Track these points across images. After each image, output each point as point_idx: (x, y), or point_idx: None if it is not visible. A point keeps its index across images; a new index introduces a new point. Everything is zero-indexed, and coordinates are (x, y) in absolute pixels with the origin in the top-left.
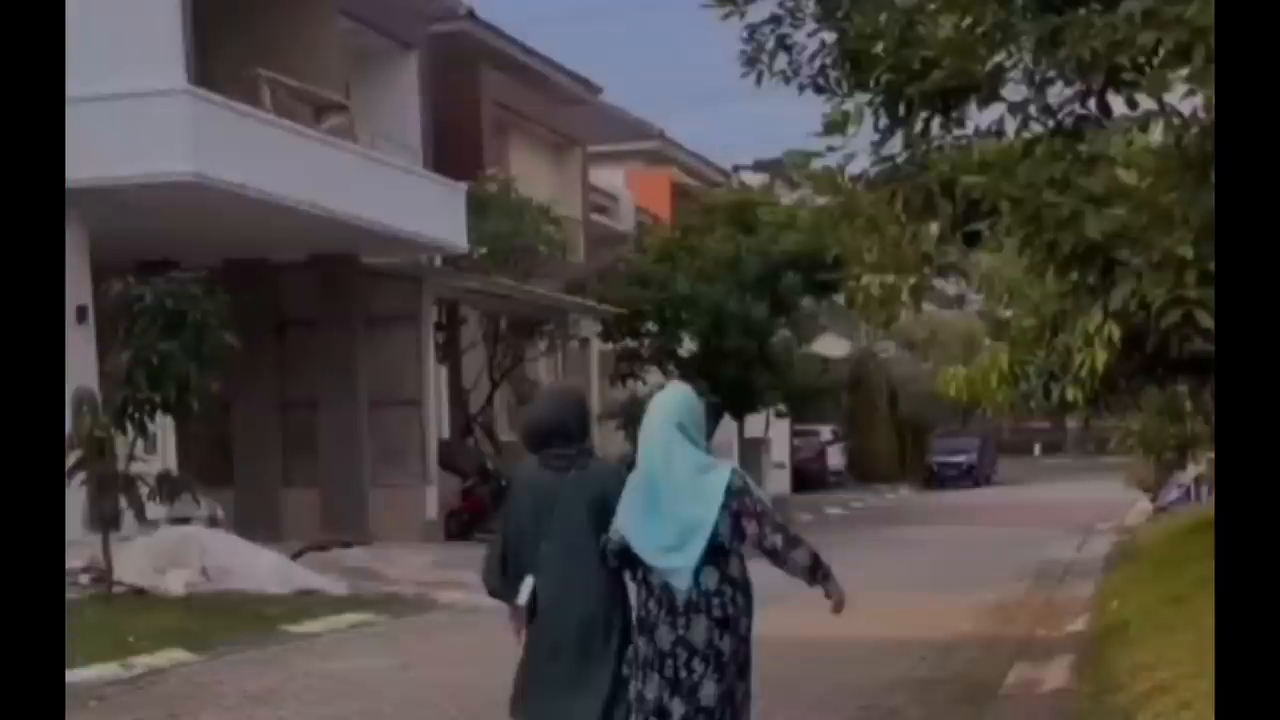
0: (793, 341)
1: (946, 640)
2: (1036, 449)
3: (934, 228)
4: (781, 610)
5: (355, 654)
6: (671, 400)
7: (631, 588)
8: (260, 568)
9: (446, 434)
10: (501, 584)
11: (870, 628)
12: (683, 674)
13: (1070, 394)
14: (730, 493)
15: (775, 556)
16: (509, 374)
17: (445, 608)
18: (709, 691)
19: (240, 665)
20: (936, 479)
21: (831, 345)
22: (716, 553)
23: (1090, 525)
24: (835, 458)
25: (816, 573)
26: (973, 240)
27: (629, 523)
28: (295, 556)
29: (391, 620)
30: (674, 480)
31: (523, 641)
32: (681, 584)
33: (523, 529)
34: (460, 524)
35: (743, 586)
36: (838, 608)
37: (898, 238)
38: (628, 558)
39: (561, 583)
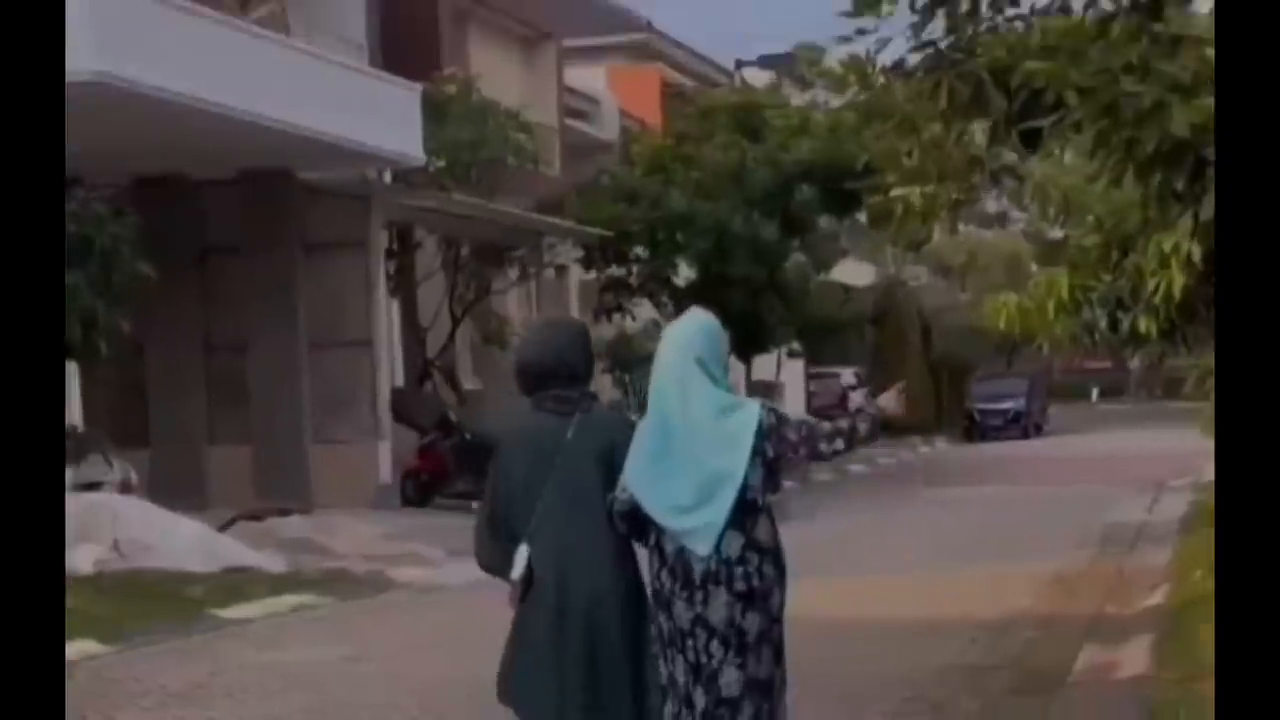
0: (808, 267)
1: (1000, 619)
2: (1093, 394)
3: (983, 127)
4: (811, 584)
5: (296, 643)
6: (689, 330)
7: (643, 556)
8: (182, 541)
9: (400, 380)
10: (497, 556)
11: (910, 606)
12: (702, 658)
13: (1142, 324)
14: (761, 435)
15: (818, 457)
16: (473, 309)
17: (403, 587)
18: (730, 679)
19: (160, 657)
20: (978, 429)
21: (853, 272)
22: (743, 511)
23: (1162, 482)
24: (859, 403)
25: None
26: (1032, 140)
27: (638, 478)
28: (223, 528)
29: (339, 602)
30: (692, 425)
31: (516, 615)
32: (702, 549)
33: (516, 488)
34: (419, 487)
35: (772, 554)
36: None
37: (940, 139)
38: (637, 521)
39: (565, 549)
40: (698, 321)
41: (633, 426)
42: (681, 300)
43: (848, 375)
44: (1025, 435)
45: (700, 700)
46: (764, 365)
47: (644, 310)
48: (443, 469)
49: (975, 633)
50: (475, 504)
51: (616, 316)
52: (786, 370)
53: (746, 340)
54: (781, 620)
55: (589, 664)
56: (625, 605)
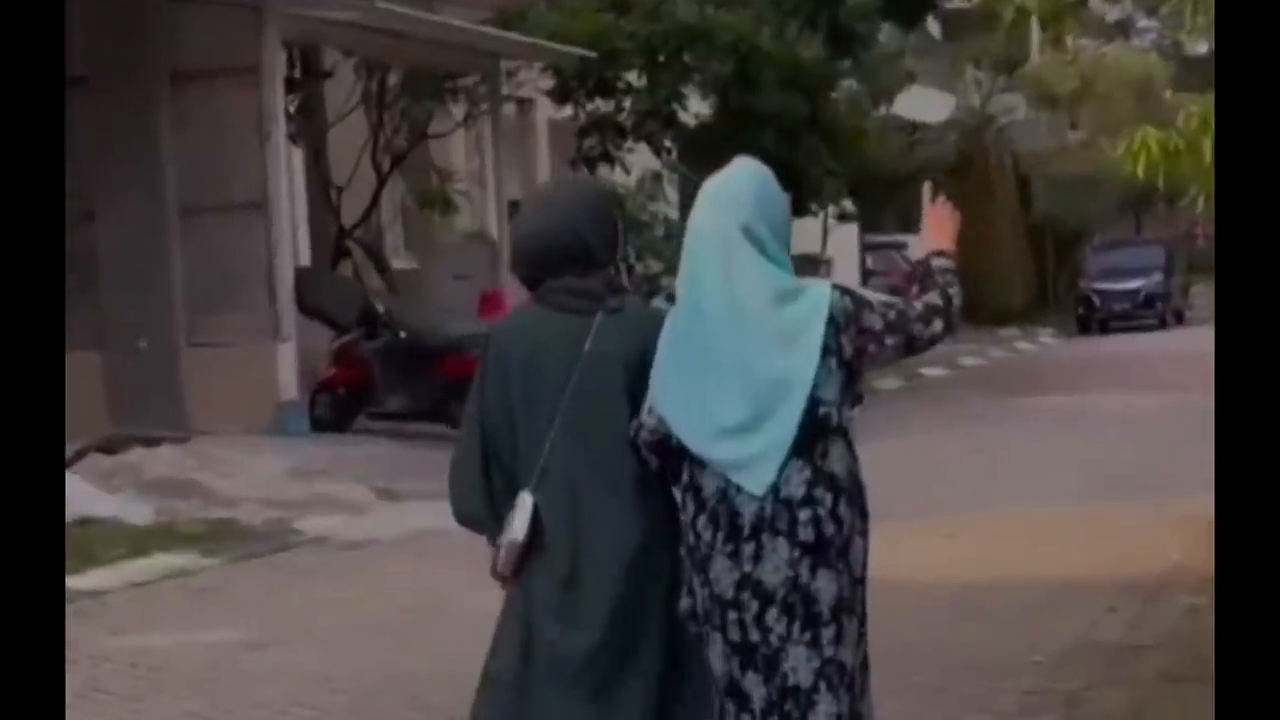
0: (864, 98)
1: (1146, 579)
2: None
3: None
4: (881, 533)
5: (169, 623)
6: (735, 187)
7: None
8: None
9: (307, 259)
10: (487, 508)
11: (1020, 561)
12: (753, 634)
13: None
14: (834, 326)
15: (922, 352)
16: (405, 160)
17: (314, 543)
18: (797, 663)
19: None
20: (1097, 316)
21: (925, 104)
22: (811, 433)
23: None
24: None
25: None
26: None
27: (667, 393)
28: (66, 464)
29: (227, 566)
30: (741, 317)
31: (509, 597)
32: (756, 486)
33: (515, 413)
34: (335, 405)
35: (849, 490)
36: None
37: None
38: (670, 454)
39: (583, 498)
40: (747, 175)
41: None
42: (691, 145)
43: (917, 245)
44: (1162, 324)
45: (756, 692)
46: (806, 233)
47: (639, 159)
48: (367, 379)
49: (1113, 599)
50: (411, 426)
51: (602, 168)
52: (835, 239)
53: None
54: (865, 581)
55: (609, 662)
56: (664, 575)
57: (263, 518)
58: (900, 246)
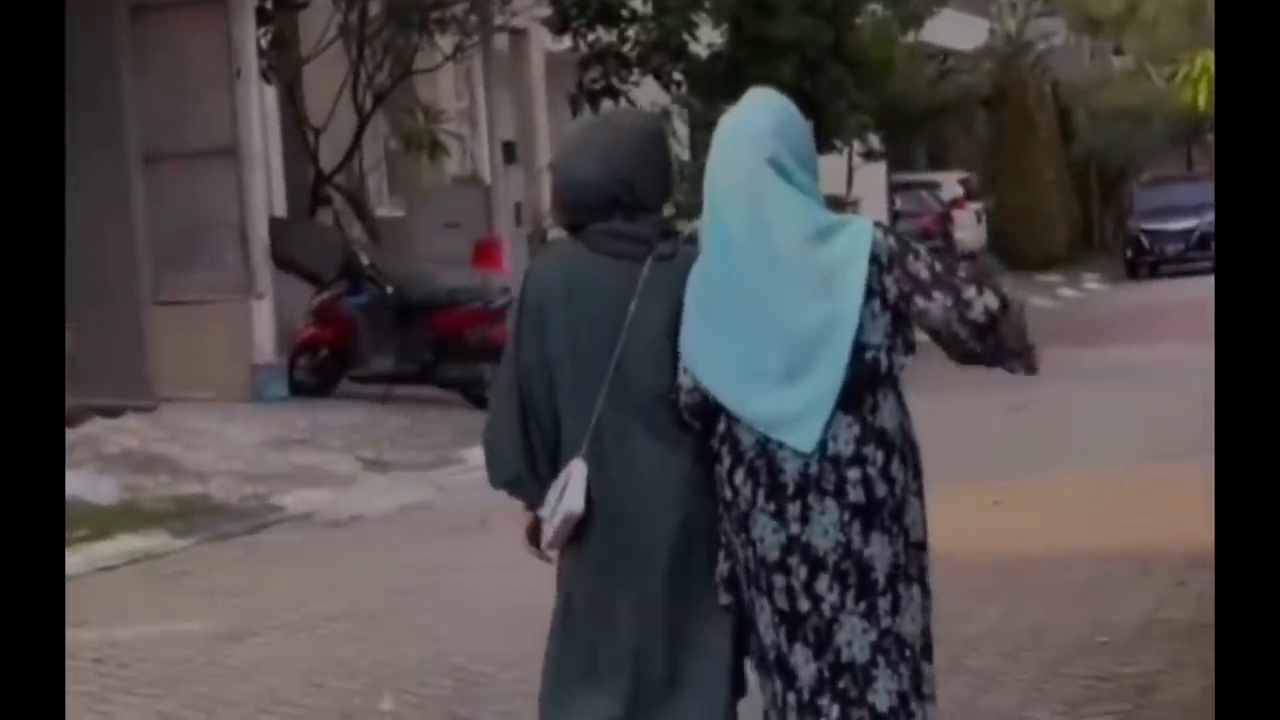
0: (891, 24)
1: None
2: None
3: None
4: (927, 502)
5: (135, 612)
6: (757, 119)
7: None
8: None
9: (283, 209)
10: (529, 470)
11: (1076, 531)
12: (802, 603)
13: None
14: (878, 265)
15: (993, 333)
16: (388, 99)
17: (295, 520)
18: (852, 635)
19: None
20: (1146, 260)
21: (957, 30)
22: (858, 384)
23: None
24: (968, 227)
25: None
26: None
27: (698, 348)
28: None
29: (199, 547)
30: (773, 257)
31: (562, 580)
32: (800, 441)
33: (552, 369)
34: (315, 368)
35: (901, 448)
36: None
37: None
38: (708, 413)
39: (636, 465)
40: (765, 105)
41: None
42: (703, 78)
43: (950, 184)
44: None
45: (805, 669)
46: (829, 173)
47: (646, 93)
48: (350, 339)
49: (1181, 572)
50: (399, 389)
51: (605, 103)
52: (861, 179)
53: None
54: (926, 546)
55: (671, 641)
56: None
57: (238, 494)
58: (932, 186)
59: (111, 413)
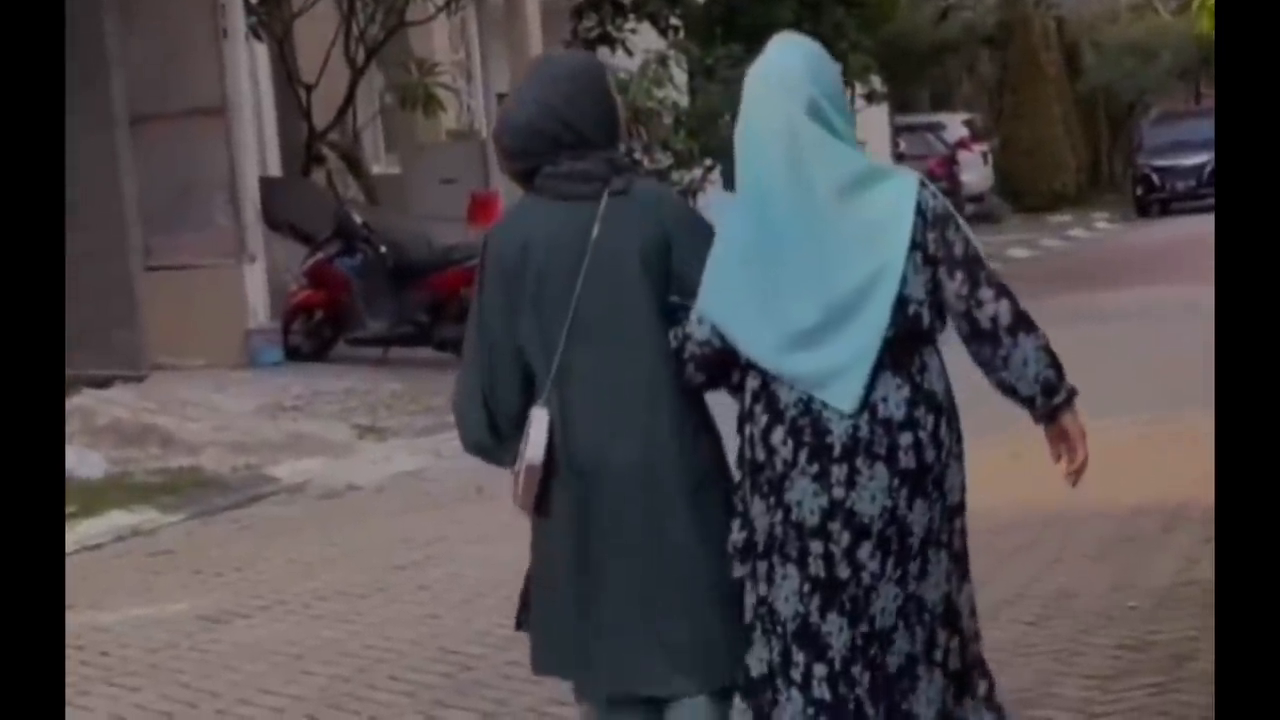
0: None
1: None
2: None
3: None
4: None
5: (120, 593)
6: (790, 60)
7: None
8: None
9: (276, 168)
10: (493, 434)
11: (1098, 486)
12: (842, 570)
13: None
14: (923, 219)
15: (990, 345)
16: (381, 53)
17: (289, 491)
18: (888, 602)
19: None
20: (1156, 198)
21: None
22: (904, 342)
23: None
24: (975, 169)
25: (1056, 389)
26: None
27: (726, 300)
28: None
29: (189, 522)
30: (813, 206)
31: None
32: (846, 401)
33: (517, 320)
34: (311, 330)
35: (948, 411)
36: (1076, 469)
37: None
38: (722, 363)
39: (601, 409)
40: (796, 49)
41: (689, 207)
42: (700, 22)
43: (955, 125)
44: None
45: (838, 639)
46: None
47: (642, 40)
48: (345, 301)
49: (1207, 527)
50: (396, 352)
51: (602, 51)
52: (864, 122)
53: None
54: (965, 509)
55: (638, 589)
56: (697, 494)
57: (230, 465)
58: (936, 128)
59: (100, 383)
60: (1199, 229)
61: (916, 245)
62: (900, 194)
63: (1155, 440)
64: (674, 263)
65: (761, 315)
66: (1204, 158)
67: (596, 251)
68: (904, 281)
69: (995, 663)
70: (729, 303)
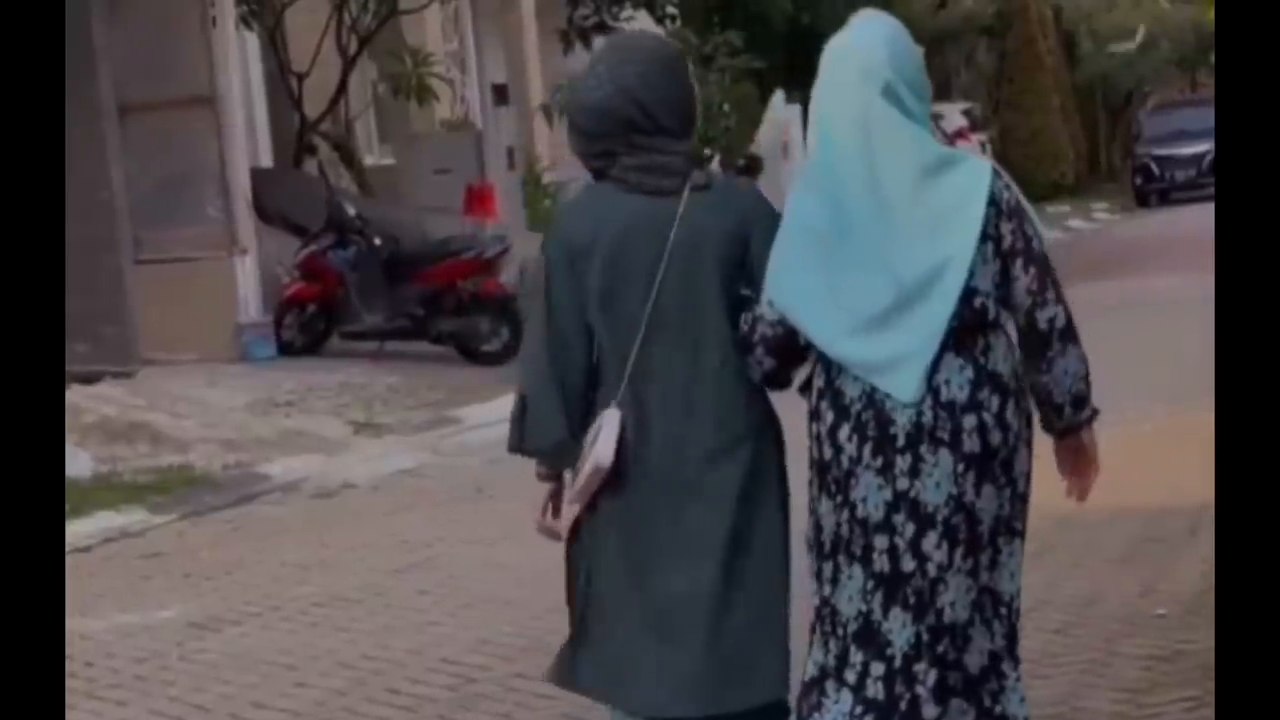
0: None
1: None
2: None
3: None
4: None
5: (107, 600)
6: (870, 40)
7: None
8: None
9: (267, 159)
10: (562, 434)
11: (1118, 486)
12: (906, 563)
13: None
14: (996, 209)
15: (1042, 347)
16: (374, 41)
17: (282, 490)
18: (956, 594)
19: None
20: (1156, 188)
21: None
22: (971, 328)
23: None
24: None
25: (1085, 404)
26: None
27: (794, 284)
28: None
29: (179, 523)
30: (886, 193)
31: (581, 550)
32: (906, 391)
33: (592, 319)
34: (304, 325)
35: (1015, 393)
36: (1081, 490)
37: None
38: (791, 354)
39: (675, 410)
40: (875, 28)
41: (767, 201)
42: (697, 10)
43: (954, 115)
44: None
45: (900, 635)
46: None
47: (638, 27)
48: (338, 294)
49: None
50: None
51: (597, 41)
52: None
53: (799, 68)
54: (1029, 497)
55: (716, 604)
56: (768, 496)
57: (222, 462)
58: (935, 117)
59: (88, 379)
60: (1200, 219)
61: (988, 236)
62: (973, 183)
63: (1170, 435)
64: (750, 257)
65: (828, 299)
66: (1204, 147)
67: (675, 249)
68: (972, 273)
69: (1022, 672)
70: (797, 286)
